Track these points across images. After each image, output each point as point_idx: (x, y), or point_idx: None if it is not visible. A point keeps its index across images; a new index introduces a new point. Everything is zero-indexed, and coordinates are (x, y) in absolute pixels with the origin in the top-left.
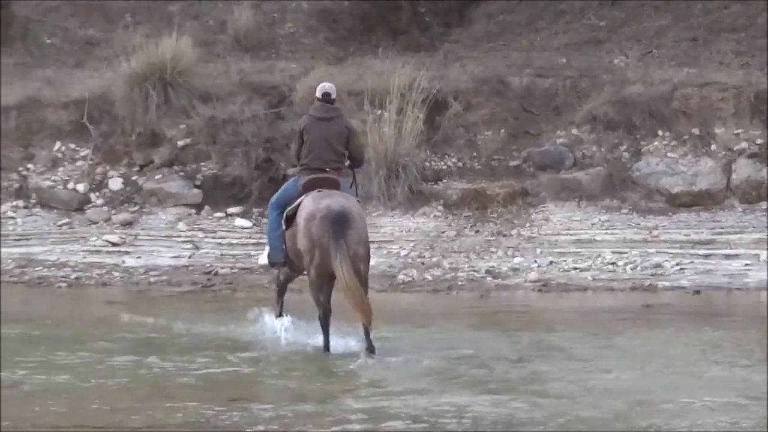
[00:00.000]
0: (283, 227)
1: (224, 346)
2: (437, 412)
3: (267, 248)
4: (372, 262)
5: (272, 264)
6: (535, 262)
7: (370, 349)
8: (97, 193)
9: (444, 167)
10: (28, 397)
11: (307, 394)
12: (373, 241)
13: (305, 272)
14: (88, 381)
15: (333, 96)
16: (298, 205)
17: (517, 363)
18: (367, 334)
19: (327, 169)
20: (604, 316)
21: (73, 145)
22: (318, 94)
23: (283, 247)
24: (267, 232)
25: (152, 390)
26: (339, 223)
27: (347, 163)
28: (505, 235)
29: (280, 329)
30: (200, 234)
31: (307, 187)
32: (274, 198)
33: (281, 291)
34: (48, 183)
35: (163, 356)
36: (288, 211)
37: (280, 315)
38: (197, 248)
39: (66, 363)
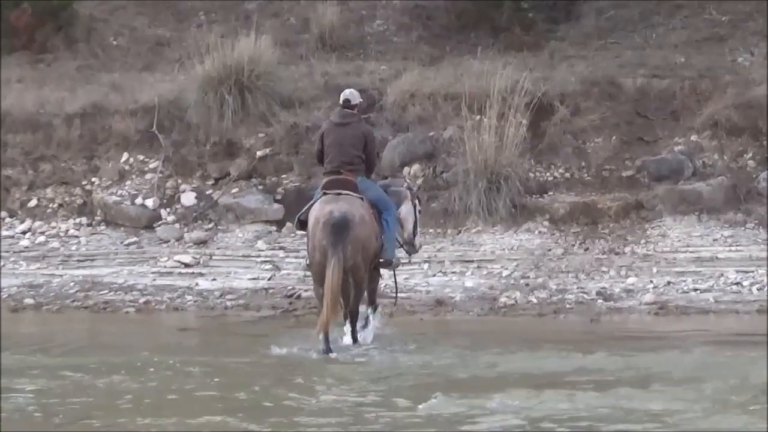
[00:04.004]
0: (297, 230)
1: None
2: None
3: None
4: (470, 284)
5: (308, 265)
6: (651, 282)
7: (327, 351)
8: (168, 209)
9: (550, 178)
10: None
11: None
12: (472, 260)
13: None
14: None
15: (353, 102)
16: (309, 208)
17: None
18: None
19: (342, 171)
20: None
21: (141, 157)
22: (340, 100)
23: None
24: None
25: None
26: (338, 229)
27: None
28: (617, 253)
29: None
30: (281, 253)
31: (325, 189)
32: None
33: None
34: (114, 198)
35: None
36: (300, 215)
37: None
38: (278, 269)
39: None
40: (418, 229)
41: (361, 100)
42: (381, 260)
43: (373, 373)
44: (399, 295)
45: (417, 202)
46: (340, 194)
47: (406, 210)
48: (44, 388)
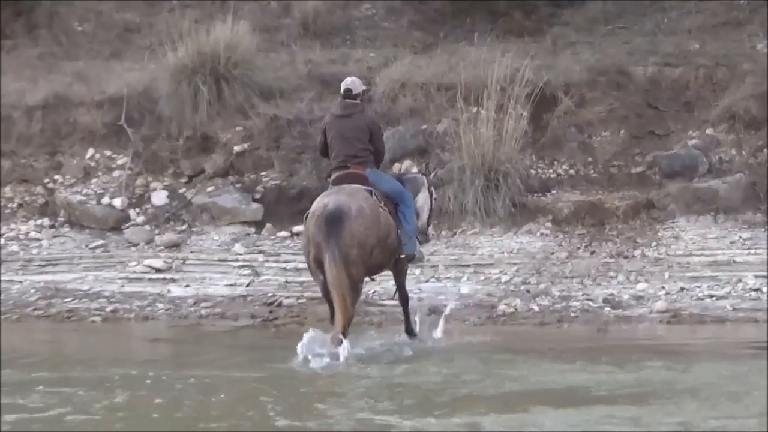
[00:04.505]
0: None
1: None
2: None
3: None
4: (466, 290)
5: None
6: (663, 288)
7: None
8: (138, 210)
9: (553, 175)
10: None
11: None
12: (468, 265)
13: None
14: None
15: (355, 92)
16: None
17: None
18: (340, 341)
19: (349, 165)
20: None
21: (108, 152)
22: (341, 89)
23: None
24: None
25: None
26: (330, 222)
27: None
28: (626, 257)
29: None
30: (260, 257)
31: (334, 184)
32: None
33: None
34: (79, 197)
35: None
36: (307, 213)
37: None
38: (257, 274)
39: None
40: (432, 218)
41: (365, 87)
42: (401, 256)
43: (374, 389)
44: (389, 302)
45: (432, 189)
46: (343, 187)
47: (423, 199)
48: (17, 403)
